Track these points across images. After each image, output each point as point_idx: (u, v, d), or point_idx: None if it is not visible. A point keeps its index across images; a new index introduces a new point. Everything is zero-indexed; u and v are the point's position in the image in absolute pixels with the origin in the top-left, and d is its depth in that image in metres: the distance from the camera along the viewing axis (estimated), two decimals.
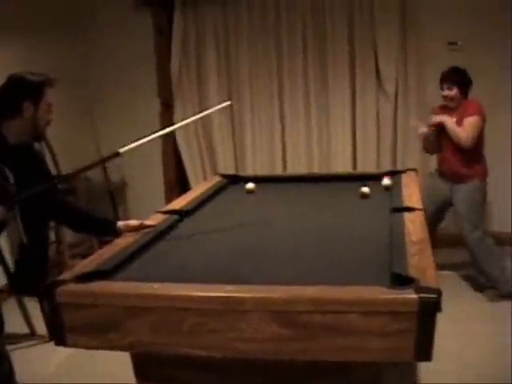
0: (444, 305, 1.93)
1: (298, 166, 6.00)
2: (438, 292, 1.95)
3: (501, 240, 5.49)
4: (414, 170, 4.48)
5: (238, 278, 2.20)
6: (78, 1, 6.10)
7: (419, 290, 1.96)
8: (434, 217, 5.01)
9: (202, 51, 6.09)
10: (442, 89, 4.88)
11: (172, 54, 6.11)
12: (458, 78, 4.83)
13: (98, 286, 2.21)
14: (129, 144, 2.97)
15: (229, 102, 3.83)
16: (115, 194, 6.63)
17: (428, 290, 1.96)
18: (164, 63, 6.19)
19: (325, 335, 1.97)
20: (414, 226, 2.83)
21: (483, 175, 4.92)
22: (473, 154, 4.83)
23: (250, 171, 6.00)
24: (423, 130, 4.95)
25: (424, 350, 1.96)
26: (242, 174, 4.92)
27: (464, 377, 3.62)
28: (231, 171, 5.60)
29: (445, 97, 4.89)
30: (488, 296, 4.87)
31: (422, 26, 5.68)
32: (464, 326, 4.34)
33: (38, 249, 3.36)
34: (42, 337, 4.43)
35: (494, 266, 4.84)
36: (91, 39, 6.28)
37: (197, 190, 4.12)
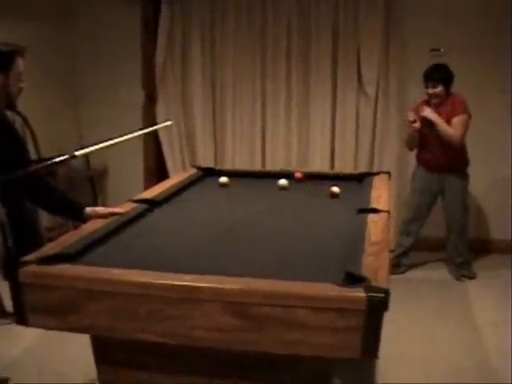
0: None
1: (276, 164, 6.05)
2: (386, 292, 2.02)
3: (500, 248, 5.85)
4: (388, 173, 4.56)
5: (197, 268, 2.25)
6: None
7: (368, 289, 2.02)
8: (424, 208, 5.38)
9: (187, 47, 6.14)
10: (427, 87, 5.09)
11: (157, 48, 6.15)
12: (442, 75, 5.05)
13: (58, 268, 2.26)
14: (90, 146, 3.08)
15: (169, 122, 3.91)
16: (95, 180, 6.68)
17: (377, 289, 2.03)
18: (150, 57, 6.23)
19: (274, 328, 2.03)
20: (376, 227, 2.90)
21: (467, 164, 5.26)
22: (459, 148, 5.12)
23: (229, 166, 6.05)
24: (417, 124, 5.11)
25: (370, 348, 2.03)
26: (217, 167, 4.96)
27: None
28: (211, 165, 5.64)
29: (430, 95, 5.09)
30: (463, 275, 5.39)
31: (405, 33, 5.76)
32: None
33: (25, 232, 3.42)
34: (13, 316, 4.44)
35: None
36: (79, 30, 6.31)
37: (170, 180, 4.18)
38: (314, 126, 6.05)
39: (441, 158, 5.15)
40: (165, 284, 2.11)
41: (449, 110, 5.04)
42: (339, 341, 2.02)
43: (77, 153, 2.98)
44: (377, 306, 1.99)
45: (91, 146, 3.07)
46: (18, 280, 2.23)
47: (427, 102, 5.19)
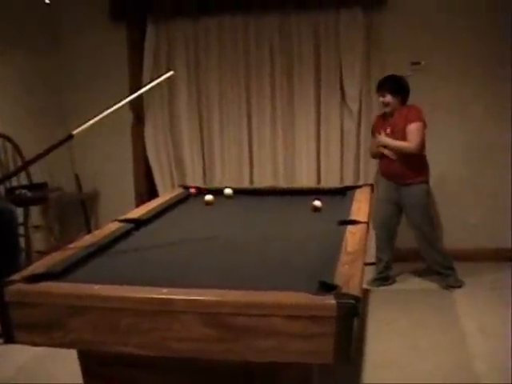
0: None
1: (264, 180, 6.14)
2: (357, 298, 2.11)
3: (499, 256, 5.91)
4: (371, 185, 4.67)
5: (175, 282, 2.33)
6: (55, 11, 6.20)
7: (339, 296, 2.11)
8: (388, 218, 5.40)
9: (172, 67, 6.21)
10: (379, 96, 5.25)
11: (144, 67, 6.24)
12: (390, 85, 5.15)
13: (42, 286, 2.35)
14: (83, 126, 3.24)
15: (171, 72, 3.84)
16: (87, 204, 6.75)
17: (347, 296, 2.11)
18: (137, 78, 6.31)
19: (249, 337, 2.11)
20: (353, 237, 3.00)
21: (427, 178, 5.25)
22: (416, 158, 5.12)
23: (217, 184, 6.15)
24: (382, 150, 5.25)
25: (343, 353, 2.10)
26: (204, 186, 5.06)
27: None
28: (200, 183, 5.74)
29: (381, 103, 5.23)
30: (450, 285, 5.35)
31: (386, 48, 5.87)
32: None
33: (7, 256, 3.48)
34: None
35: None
36: (66, 54, 6.39)
37: (157, 200, 4.28)
38: (299, 143, 6.14)
39: (398, 169, 5.18)
40: (143, 297, 2.19)
41: (403, 119, 5.10)
42: (312, 347, 2.09)
43: (74, 132, 3.19)
44: (347, 313, 2.07)
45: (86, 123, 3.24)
46: (4, 299, 2.31)
47: (381, 116, 5.36)
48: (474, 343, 4.23)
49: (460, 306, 4.94)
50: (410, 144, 5.03)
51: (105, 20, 6.28)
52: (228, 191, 4.48)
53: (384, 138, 5.17)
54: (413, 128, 5.03)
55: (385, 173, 5.36)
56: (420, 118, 5.06)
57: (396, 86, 5.15)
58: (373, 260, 5.58)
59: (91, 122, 3.27)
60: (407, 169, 5.13)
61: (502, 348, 4.09)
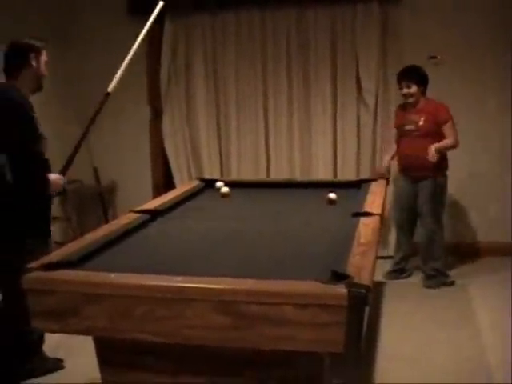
0: None
1: (280, 174, 6.17)
2: (368, 288, 2.13)
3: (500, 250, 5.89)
4: (386, 178, 4.69)
5: (190, 271, 2.38)
6: (71, 7, 6.25)
7: (350, 285, 2.13)
8: (405, 214, 5.40)
9: (190, 62, 6.28)
10: (401, 87, 5.18)
11: (162, 63, 6.29)
12: (415, 75, 5.14)
13: (59, 274, 2.40)
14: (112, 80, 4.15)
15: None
16: (105, 196, 6.81)
17: (358, 285, 2.14)
18: (155, 72, 6.37)
19: (261, 325, 2.15)
20: (366, 229, 3.02)
21: (445, 171, 5.25)
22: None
23: (234, 176, 6.19)
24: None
25: (353, 342, 2.13)
26: (220, 178, 5.09)
27: None
28: (217, 176, 5.78)
29: (404, 95, 5.18)
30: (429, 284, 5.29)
31: (402, 42, 5.88)
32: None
33: None
34: None
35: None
36: (83, 45, 6.44)
37: (174, 192, 4.32)
38: (315, 136, 6.16)
39: (419, 162, 5.08)
40: (158, 285, 2.24)
41: (432, 115, 5.10)
42: (323, 335, 2.12)
43: (109, 89, 4.20)
44: (358, 302, 2.09)
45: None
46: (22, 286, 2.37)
47: (402, 108, 5.32)
48: (488, 339, 4.24)
49: (475, 301, 4.93)
50: (453, 141, 5.09)
51: (123, 15, 6.31)
52: (223, 188, 4.38)
53: (437, 147, 5.00)
54: (450, 125, 5.09)
55: (405, 167, 5.31)
56: (450, 115, 5.11)
57: (420, 76, 5.16)
58: (391, 254, 5.61)
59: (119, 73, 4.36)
60: (424, 163, 5.03)
61: None
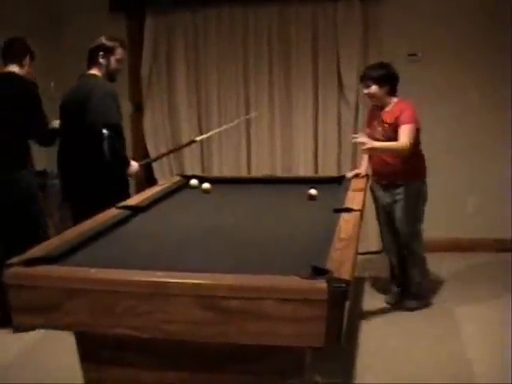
0: None
1: (261, 169, 6.19)
2: (348, 282, 2.15)
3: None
4: (366, 175, 4.71)
5: (171, 266, 2.38)
6: (53, 5, 6.21)
7: (330, 280, 2.14)
8: (383, 222, 4.90)
9: (171, 58, 6.29)
10: (364, 88, 4.67)
11: (143, 59, 6.30)
12: (374, 74, 4.54)
13: (40, 269, 2.39)
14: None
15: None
16: None
17: (338, 280, 2.15)
18: (136, 68, 6.37)
19: (241, 320, 2.15)
20: (347, 224, 3.04)
21: (421, 177, 4.71)
22: (411, 158, 4.52)
23: (216, 173, 6.21)
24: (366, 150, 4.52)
25: (334, 337, 2.14)
26: (201, 174, 5.11)
27: None
28: (198, 172, 5.79)
29: (366, 95, 4.68)
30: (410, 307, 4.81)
31: (384, 38, 5.93)
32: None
33: None
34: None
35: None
36: (65, 44, 6.41)
37: (155, 188, 4.32)
38: (297, 132, 6.20)
39: (390, 169, 4.62)
40: (138, 280, 2.24)
41: (395, 115, 4.50)
42: (304, 330, 2.13)
43: (197, 138, 5.05)
44: (338, 296, 2.10)
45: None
46: (3, 281, 2.36)
47: (375, 107, 4.75)
48: (469, 332, 4.29)
49: (457, 297, 4.97)
50: (399, 145, 4.42)
51: (104, 11, 6.31)
52: (204, 184, 4.34)
53: (371, 144, 4.40)
54: (404, 130, 4.41)
55: (375, 174, 4.79)
56: (412, 119, 4.46)
57: (381, 75, 4.54)
58: (375, 249, 5.62)
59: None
60: (401, 168, 4.57)
61: (498, 338, 4.15)
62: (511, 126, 5.88)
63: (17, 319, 2.41)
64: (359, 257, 2.77)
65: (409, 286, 4.88)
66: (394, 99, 4.61)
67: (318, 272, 2.25)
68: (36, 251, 2.64)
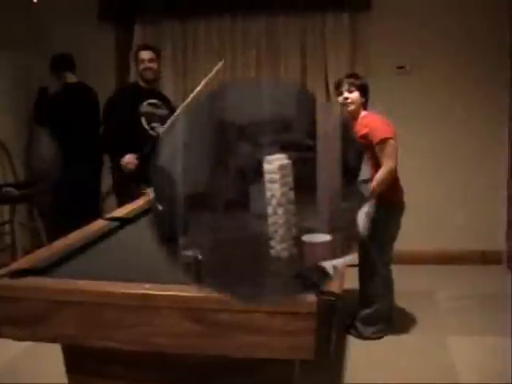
0: None
1: None
2: (337, 296, 2.14)
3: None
4: None
5: (160, 278, 2.35)
6: (41, 10, 6.18)
7: (320, 293, 2.14)
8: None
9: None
10: (341, 93, 4.35)
11: (131, 69, 6.26)
12: (357, 82, 4.35)
13: (27, 281, 2.37)
14: None
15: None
16: None
17: (328, 293, 2.15)
18: (124, 77, 6.34)
19: (231, 332, 2.15)
20: None
21: (391, 200, 4.24)
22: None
23: None
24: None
25: (323, 349, 2.14)
26: None
27: None
28: None
29: (345, 99, 4.31)
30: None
31: (371, 51, 5.93)
32: None
33: None
34: None
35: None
36: (52, 50, 6.37)
37: (141, 200, 4.28)
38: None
39: None
40: (125, 293, 2.22)
41: (368, 126, 4.23)
42: (293, 343, 2.13)
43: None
44: (328, 309, 2.10)
45: None
46: None
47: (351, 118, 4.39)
48: (458, 346, 4.28)
49: (445, 310, 4.97)
50: (385, 170, 4.12)
51: (93, 20, 6.28)
52: None
53: (374, 185, 4.09)
54: (383, 148, 4.13)
55: None
56: (388, 132, 4.20)
57: (364, 85, 4.39)
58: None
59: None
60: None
61: (488, 351, 4.16)
62: (500, 138, 5.89)
63: (3, 331, 2.39)
64: (348, 269, 2.75)
65: (366, 311, 4.48)
66: (364, 112, 4.37)
67: (308, 285, 2.25)
68: (22, 263, 2.62)
